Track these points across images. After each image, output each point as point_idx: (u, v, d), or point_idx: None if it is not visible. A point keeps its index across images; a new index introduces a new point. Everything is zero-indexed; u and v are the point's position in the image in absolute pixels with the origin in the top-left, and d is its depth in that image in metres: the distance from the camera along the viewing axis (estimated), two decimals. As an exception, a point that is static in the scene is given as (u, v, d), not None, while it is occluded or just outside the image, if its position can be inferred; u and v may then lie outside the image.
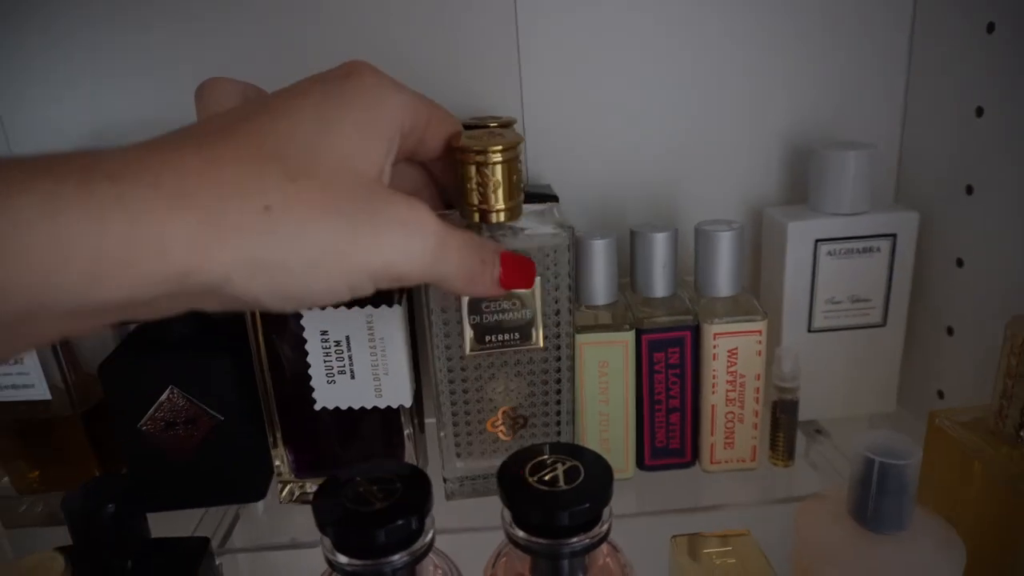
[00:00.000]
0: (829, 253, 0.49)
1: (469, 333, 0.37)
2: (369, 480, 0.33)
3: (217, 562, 0.42)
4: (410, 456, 0.44)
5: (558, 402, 0.41)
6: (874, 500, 0.34)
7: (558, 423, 0.41)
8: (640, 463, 0.47)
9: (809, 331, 0.51)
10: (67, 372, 0.43)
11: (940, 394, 0.51)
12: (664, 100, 0.53)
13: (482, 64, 0.51)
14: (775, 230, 0.51)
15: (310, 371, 0.41)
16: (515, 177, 0.34)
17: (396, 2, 0.49)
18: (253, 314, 0.42)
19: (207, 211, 0.21)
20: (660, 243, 0.45)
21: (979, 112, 0.46)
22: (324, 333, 0.41)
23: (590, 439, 0.46)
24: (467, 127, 0.45)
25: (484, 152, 0.33)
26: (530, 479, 0.32)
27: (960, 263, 0.49)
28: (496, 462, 0.42)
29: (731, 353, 0.45)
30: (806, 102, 0.54)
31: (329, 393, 0.42)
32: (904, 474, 0.33)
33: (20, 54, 0.49)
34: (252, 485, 0.46)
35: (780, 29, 0.52)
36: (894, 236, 0.49)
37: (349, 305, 0.40)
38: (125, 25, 0.48)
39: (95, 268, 0.19)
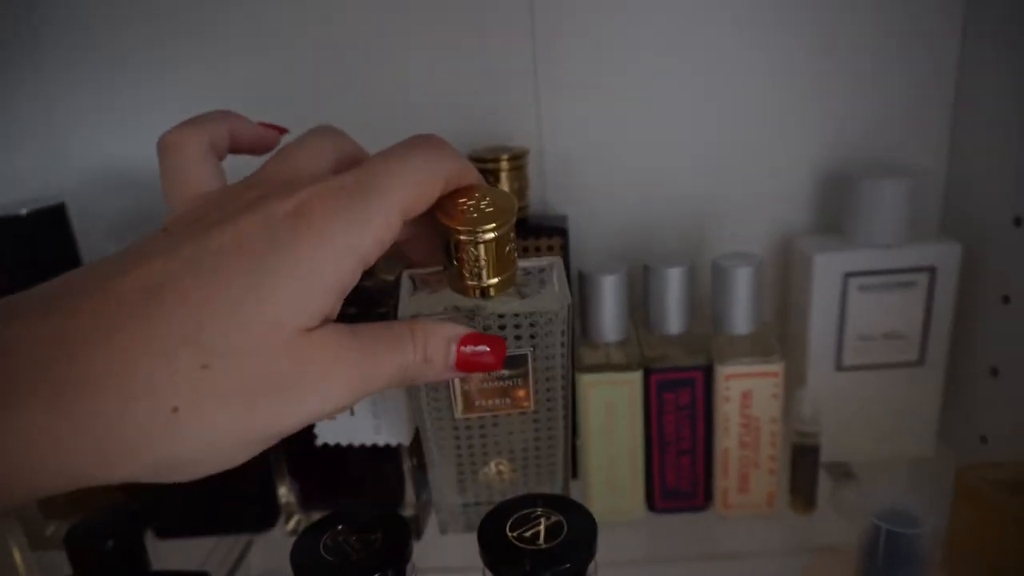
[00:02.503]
0: (860, 287, 0.46)
1: (459, 399, 0.35)
2: (349, 528, 0.33)
3: (225, 590, 0.43)
4: (410, 492, 0.43)
5: (550, 447, 0.40)
6: (882, 571, 0.31)
7: (550, 464, 0.40)
8: (651, 505, 0.46)
9: (838, 369, 0.48)
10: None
11: (983, 439, 0.48)
12: (690, 123, 0.51)
13: (499, 89, 0.50)
14: (803, 262, 0.48)
15: (312, 407, 0.42)
16: (508, 248, 0.31)
17: (413, 28, 0.49)
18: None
19: (111, 417, 0.20)
20: (674, 279, 0.44)
21: (1029, 137, 0.43)
22: (325, 370, 0.41)
23: (596, 479, 0.44)
24: (476, 160, 0.45)
25: (473, 232, 0.29)
26: (510, 535, 0.31)
27: (1007, 300, 0.45)
28: (491, 497, 0.41)
29: (745, 396, 0.43)
30: (846, 125, 0.51)
31: (330, 429, 0.42)
32: (915, 544, 0.31)
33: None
34: (262, 515, 0.47)
35: (818, 48, 0.49)
36: (933, 270, 0.46)
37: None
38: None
39: None
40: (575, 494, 0.45)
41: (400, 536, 0.32)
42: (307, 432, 0.42)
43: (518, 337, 0.33)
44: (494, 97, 0.50)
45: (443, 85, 0.50)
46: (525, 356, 0.33)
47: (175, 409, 0.20)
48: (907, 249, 0.46)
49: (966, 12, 0.47)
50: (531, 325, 0.33)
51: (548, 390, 0.36)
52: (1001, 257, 0.46)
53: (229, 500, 0.46)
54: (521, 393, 0.34)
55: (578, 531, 0.31)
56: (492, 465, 0.38)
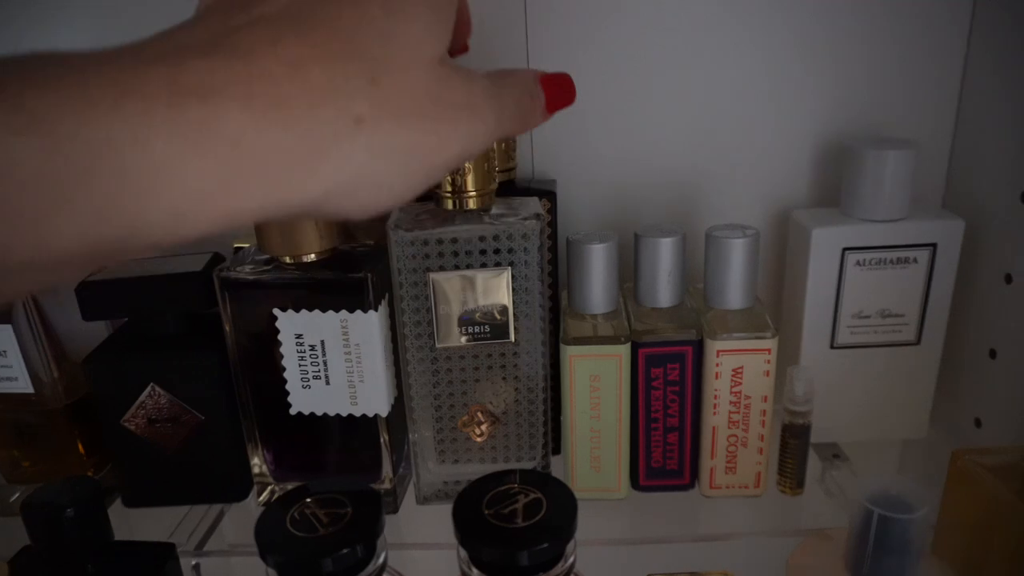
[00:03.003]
0: (858, 263, 0.45)
1: (440, 326, 0.35)
2: (318, 502, 0.31)
3: (194, 562, 0.42)
4: (387, 466, 0.42)
5: (530, 401, 0.38)
6: (873, 557, 0.30)
7: (531, 424, 0.39)
8: (635, 483, 0.44)
9: (832, 347, 0.47)
10: (51, 366, 0.43)
11: (977, 422, 0.46)
12: (684, 89, 0.48)
13: (487, 45, 0.48)
14: (800, 236, 0.46)
15: (285, 374, 0.40)
16: (487, 164, 0.35)
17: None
18: (232, 314, 0.40)
19: (302, 125, 0.19)
20: (665, 249, 0.42)
21: (1039, 110, 0.41)
22: (299, 336, 0.39)
23: (579, 455, 0.43)
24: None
25: None
26: (486, 513, 0.30)
27: (1009, 279, 0.44)
28: (471, 468, 0.40)
29: (736, 372, 0.41)
30: (848, 94, 0.49)
31: (304, 398, 0.40)
32: (908, 530, 0.30)
33: None
34: (235, 485, 0.45)
35: (822, 17, 0.46)
36: (933, 246, 0.44)
37: (324, 309, 0.38)
38: None
39: (187, 202, 0.17)
40: (556, 471, 0.44)
41: (371, 511, 0.31)
42: (281, 400, 0.41)
43: (497, 251, 0.36)
44: (484, 59, 0.48)
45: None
46: (503, 276, 0.36)
47: (359, 120, 0.20)
48: (908, 224, 0.44)
49: (978, -20, 0.45)
50: (508, 239, 0.36)
51: (527, 316, 0.36)
52: (1005, 235, 0.44)
53: (201, 469, 0.44)
54: (500, 319, 0.35)
55: (557, 510, 0.30)
56: (471, 414, 0.38)
